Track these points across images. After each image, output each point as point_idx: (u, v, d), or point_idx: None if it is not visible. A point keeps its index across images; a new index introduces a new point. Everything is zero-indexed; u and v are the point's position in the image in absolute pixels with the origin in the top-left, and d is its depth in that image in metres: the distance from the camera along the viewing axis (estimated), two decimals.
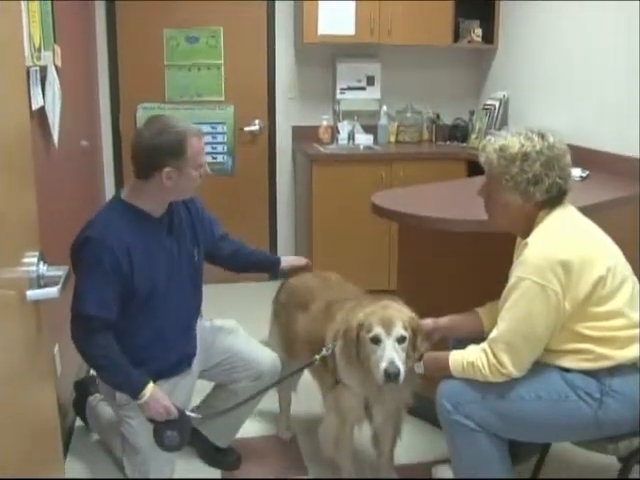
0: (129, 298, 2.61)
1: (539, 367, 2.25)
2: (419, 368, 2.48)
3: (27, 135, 1.71)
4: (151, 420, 2.63)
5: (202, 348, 2.93)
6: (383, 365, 2.41)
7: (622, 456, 2.26)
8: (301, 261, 3.23)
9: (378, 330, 2.46)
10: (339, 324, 2.66)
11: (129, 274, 2.57)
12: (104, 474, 2.96)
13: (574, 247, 2.20)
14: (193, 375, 2.91)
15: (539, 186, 2.24)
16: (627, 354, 2.18)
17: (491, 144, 2.33)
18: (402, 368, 2.41)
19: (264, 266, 3.24)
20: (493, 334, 2.25)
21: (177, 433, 2.63)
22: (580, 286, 2.15)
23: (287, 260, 3.21)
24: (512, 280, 2.23)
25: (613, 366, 2.18)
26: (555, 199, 2.29)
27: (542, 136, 2.28)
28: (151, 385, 2.61)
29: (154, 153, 2.56)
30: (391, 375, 2.40)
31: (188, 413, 2.70)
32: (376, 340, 2.47)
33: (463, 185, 3.97)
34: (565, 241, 2.22)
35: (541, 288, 2.14)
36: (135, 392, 2.60)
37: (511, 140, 2.28)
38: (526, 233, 2.30)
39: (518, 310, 2.20)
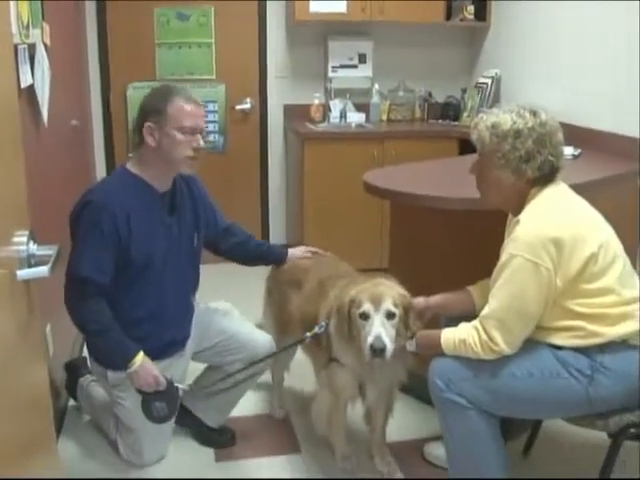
0: (124, 266, 2.62)
1: (530, 344, 2.26)
2: (411, 346, 2.49)
3: (16, 113, 1.69)
4: (139, 391, 2.64)
5: (196, 330, 2.94)
6: (369, 340, 2.42)
7: (612, 432, 2.26)
8: (307, 254, 3.15)
9: (367, 306, 2.47)
10: (332, 302, 2.67)
11: (126, 240, 2.58)
12: (97, 454, 2.96)
13: (566, 224, 2.20)
14: (186, 357, 2.92)
15: (531, 163, 2.24)
16: (618, 331, 2.19)
17: (483, 121, 2.32)
18: (389, 343, 2.42)
19: (269, 260, 3.17)
20: (485, 311, 2.26)
21: (165, 404, 2.64)
22: (572, 263, 2.16)
23: (293, 253, 3.14)
24: (504, 257, 2.23)
25: (604, 343, 2.19)
26: (547, 176, 2.28)
27: (534, 113, 2.27)
28: (141, 354, 2.62)
29: (140, 110, 2.65)
30: (377, 350, 2.41)
31: (176, 385, 2.70)
32: (365, 316, 2.48)
33: (455, 163, 3.97)
34: (557, 218, 2.22)
35: (533, 265, 2.14)
36: (125, 359, 2.60)
37: (503, 117, 2.27)
38: (518, 210, 2.30)
39: (510, 287, 2.20)
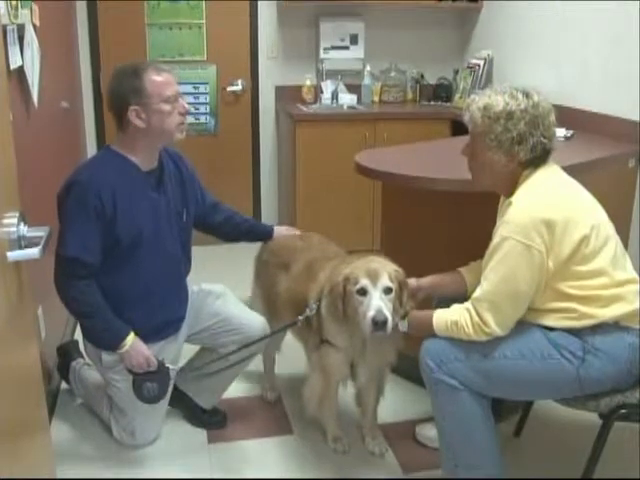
0: (112, 246, 2.61)
1: (523, 326, 2.26)
2: (403, 326, 2.48)
3: (5, 94, 1.68)
4: (130, 371, 2.65)
5: (190, 312, 2.93)
6: (371, 314, 2.41)
7: (603, 413, 2.27)
8: (293, 232, 3.21)
9: (364, 281, 2.46)
10: (323, 283, 2.67)
11: (112, 218, 2.57)
12: (90, 436, 2.96)
13: (558, 206, 2.19)
14: (180, 340, 2.92)
15: (523, 145, 2.23)
16: (610, 312, 2.19)
17: (475, 102, 2.31)
18: (390, 317, 2.41)
19: (256, 235, 3.18)
20: (477, 293, 2.25)
21: (157, 385, 2.66)
22: (564, 245, 2.15)
23: (279, 230, 3.18)
24: (496, 239, 2.22)
25: (596, 324, 2.19)
26: (539, 158, 2.28)
27: (526, 94, 2.26)
28: (132, 335, 2.63)
29: (116, 97, 2.61)
30: (379, 323, 2.39)
31: (168, 365, 2.71)
32: (363, 292, 2.46)
33: (447, 145, 3.95)
34: (549, 200, 2.22)
35: (525, 247, 2.14)
36: (117, 340, 2.62)
37: (495, 99, 2.26)
38: (509, 192, 2.30)
39: (502, 269, 2.20)
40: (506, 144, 2.24)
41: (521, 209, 2.19)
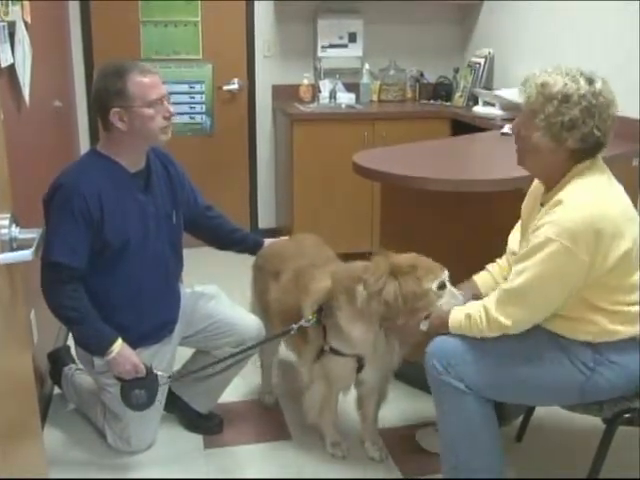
0: (100, 249, 2.57)
1: (534, 331, 2.20)
2: (424, 325, 2.42)
3: None
4: (118, 378, 2.62)
5: (183, 315, 2.90)
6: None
7: (607, 417, 2.24)
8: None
9: (444, 275, 2.43)
10: (319, 292, 2.62)
11: (99, 222, 2.53)
12: (84, 441, 2.92)
13: (609, 216, 2.08)
14: (174, 342, 2.88)
15: (573, 132, 2.11)
16: (632, 331, 2.14)
17: (534, 78, 2.20)
18: None
19: (247, 246, 3.13)
20: (507, 285, 2.18)
21: (145, 392, 2.63)
22: (608, 257, 2.07)
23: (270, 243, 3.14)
24: (539, 239, 2.10)
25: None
26: (589, 151, 2.17)
27: (590, 81, 2.13)
28: (120, 341, 2.60)
29: (99, 98, 2.56)
30: None
31: (156, 372, 2.67)
32: (442, 285, 2.43)
33: (447, 144, 3.94)
34: (601, 208, 2.09)
35: (570, 253, 2.04)
36: (103, 347, 2.59)
37: (555, 78, 2.15)
38: (553, 183, 2.20)
39: (540, 270, 2.10)
40: (555, 128, 2.12)
41: (572, 212, 2.07)
